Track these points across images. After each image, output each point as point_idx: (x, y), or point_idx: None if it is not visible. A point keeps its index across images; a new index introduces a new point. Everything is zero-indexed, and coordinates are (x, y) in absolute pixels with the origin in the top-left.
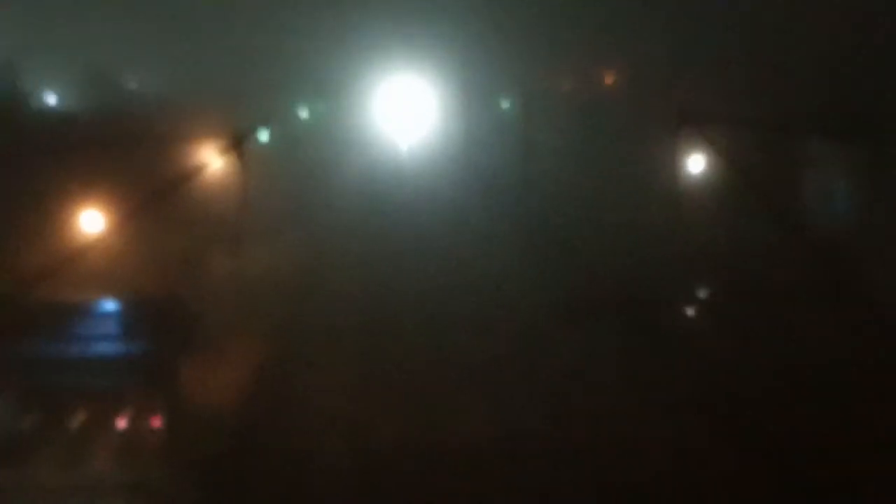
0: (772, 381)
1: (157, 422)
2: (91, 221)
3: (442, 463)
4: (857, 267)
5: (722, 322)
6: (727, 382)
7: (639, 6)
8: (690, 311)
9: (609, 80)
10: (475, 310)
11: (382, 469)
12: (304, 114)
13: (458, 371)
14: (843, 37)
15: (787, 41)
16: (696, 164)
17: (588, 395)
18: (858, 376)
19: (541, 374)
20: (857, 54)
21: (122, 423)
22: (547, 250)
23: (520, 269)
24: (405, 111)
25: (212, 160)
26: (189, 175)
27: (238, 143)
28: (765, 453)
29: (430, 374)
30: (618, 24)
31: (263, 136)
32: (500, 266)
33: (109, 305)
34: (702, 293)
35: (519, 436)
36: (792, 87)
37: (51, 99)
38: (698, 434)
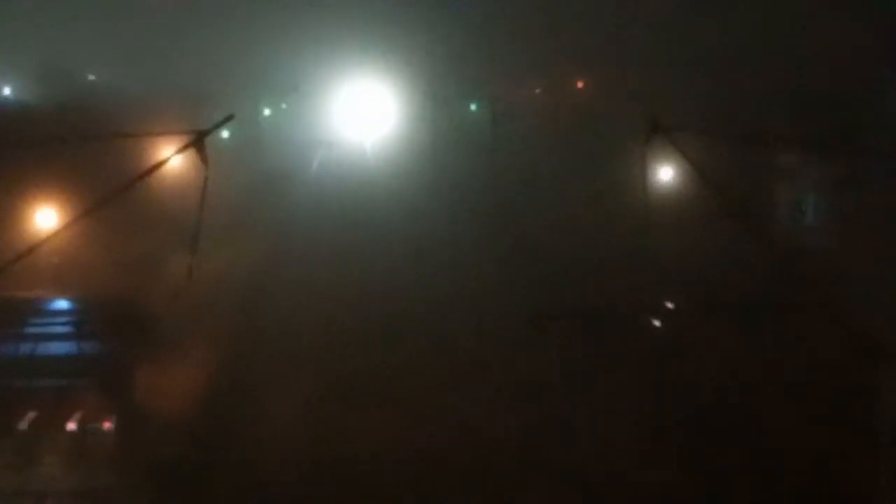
0: (739, 391)
1: (108, 424)
2: (45, 218)
3: (403, 470)
4: (826, 278)
5: (690, 332)
6: (695, 392)
7: (611, 14)
8: (658, 322)
9: (580, 84)
10: (439, 316)
11: (340, 475)
12: (266, 112)
13: (421, 378)
14: (816, 50)
15: (760, 53)
16: (665, 173)
17: (554, 404)
18: (825, 386)
19: (506, 383)
20: (831, 67)
21: (72, 425)
22: (514, 259)
23: (486, 277)
24: (371, 112)
25: (171, 157)
26: (147, 172)
27: (198, 140)
28: (731, 462)
29: (391, 379)
30: (590, 31)
31: (224, 133)
32: (466, 273)
33: (62, 304)
34: (670, 304)
35: (485, 445)
36: (764, 98)
37: (6, 93)
38: (665, 443)
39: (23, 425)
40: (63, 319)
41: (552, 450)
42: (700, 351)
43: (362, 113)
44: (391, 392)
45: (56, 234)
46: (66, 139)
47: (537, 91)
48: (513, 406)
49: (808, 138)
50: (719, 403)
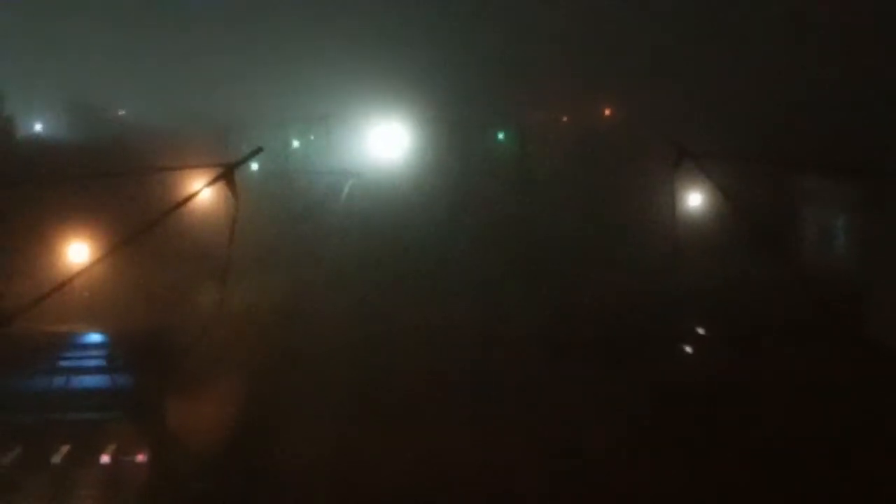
0: (769, 419)
1: (142, 456)
2: (76, 252)
3: (432, 498)
4: (854, 302)
5: (718, 360)
6: (722, 420)
7: (639, 43)
8: (688, 349)
9: (607, 112)
10: (468, 345)
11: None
12: (295, 143)
13: (445, 404)
14: (842, 76)
15: (787, 79)
16: (693, 199)
17: (574, 432)
18: (857, 411)
19: (527, 410)
20: (856, 94)
21: (106, 458)
22: (541, 286)
23: (512, 305)
24: (398, 142)
25: (201, 190)
26: (178, 205)
27: (228, 173)
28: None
29: (417, 409)
30: (618, 59)
31: (254, 165)
32: (494, 303)
33: (94, 337)
34: (698, 330)
35: (502, 472)
36: (791, 124)
37: (38, 128)
38: (687, 475)
39: (56, 459)
40: (95, 353)
41: (573, 477)
42: (730, 378)
43: (390, 143)
44: (422, 420)
45: (88, 268)
46: (97, 174)
47: (564, 119)
48: (536, 435)
49: (838, 162)
50: (746, 432)
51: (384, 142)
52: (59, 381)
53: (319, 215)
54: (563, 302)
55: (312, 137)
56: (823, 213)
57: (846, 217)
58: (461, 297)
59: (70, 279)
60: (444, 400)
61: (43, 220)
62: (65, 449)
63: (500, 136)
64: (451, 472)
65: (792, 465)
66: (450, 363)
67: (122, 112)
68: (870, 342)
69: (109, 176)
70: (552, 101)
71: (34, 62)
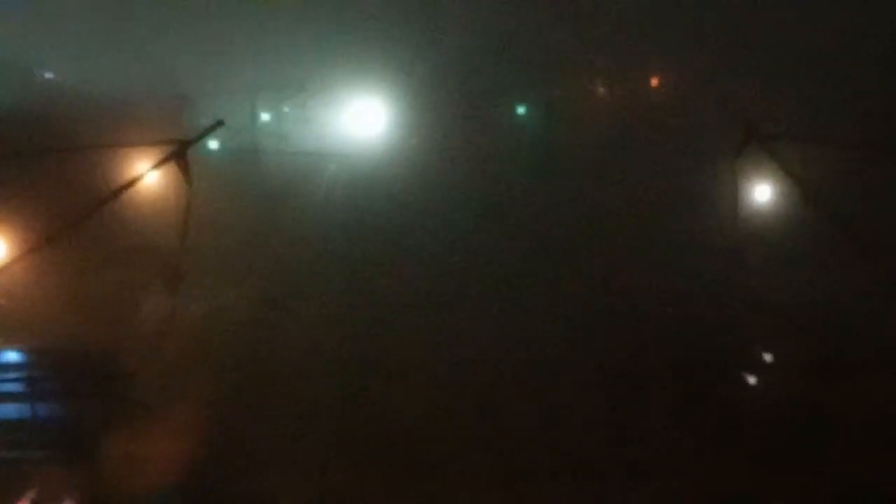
0: (849, 469)
1: None
2: None
3: None
4: None
5: (790, 393)
6: (793, 464)
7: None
8: (752, 380)
9: (654, 82)
10: (479, 360)
11: None
12: (264, 116)
13: (461, 437)
14: None
15: (870, 50)
16: (761, 191)
17: (635, 476)
18: None
19: (582, 451)
20: None
21: None
22: (575, 298)
23: (541, 322)
24: (393, 117)
25: (147, 173)
26: (118, 192)
27: (181, 152)
28: None
29: (426, 445)
30: (666, 15)
31: (213, 143)
32: (513, 314)
33: (10, 356)
34: (767, 357)
35: None
36: (878, 101)
37: None
38: None
39: None
40: (12, 376)
41: None
42: (801, 413)
43: (381, 118)
44: (425, 458)
45: (4, 269)
46: (14, 152)
47: (600, 90)
48: (588, 478)
49: None
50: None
51: (374, 117)
52: None
53: (294, 208)
54: (602, 323)
55: (286, 109)
56: None
57: None
58: (473, 314)
59: None
60: (456, 432)
61: None
62: None
63: (520, 110)
64: None
65: None
66: (463, 390)
67: (48, 75)
68: None
69: (31, 154)
70: (584, 67)
71: None
